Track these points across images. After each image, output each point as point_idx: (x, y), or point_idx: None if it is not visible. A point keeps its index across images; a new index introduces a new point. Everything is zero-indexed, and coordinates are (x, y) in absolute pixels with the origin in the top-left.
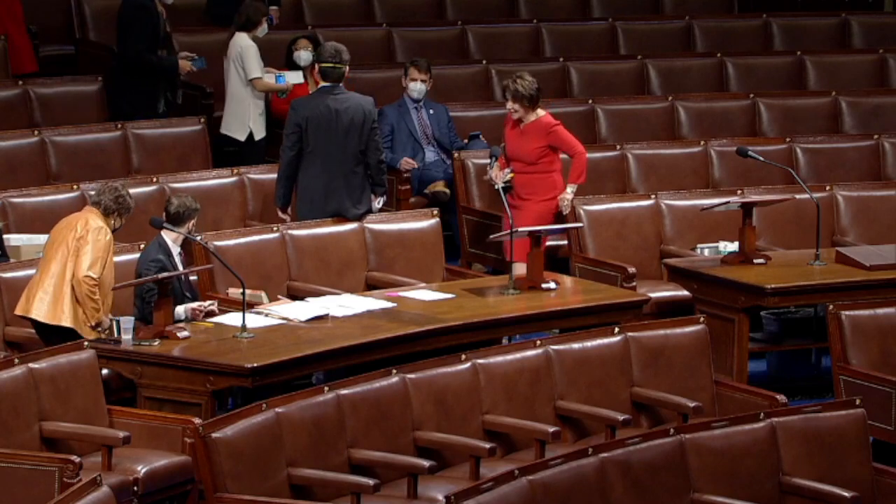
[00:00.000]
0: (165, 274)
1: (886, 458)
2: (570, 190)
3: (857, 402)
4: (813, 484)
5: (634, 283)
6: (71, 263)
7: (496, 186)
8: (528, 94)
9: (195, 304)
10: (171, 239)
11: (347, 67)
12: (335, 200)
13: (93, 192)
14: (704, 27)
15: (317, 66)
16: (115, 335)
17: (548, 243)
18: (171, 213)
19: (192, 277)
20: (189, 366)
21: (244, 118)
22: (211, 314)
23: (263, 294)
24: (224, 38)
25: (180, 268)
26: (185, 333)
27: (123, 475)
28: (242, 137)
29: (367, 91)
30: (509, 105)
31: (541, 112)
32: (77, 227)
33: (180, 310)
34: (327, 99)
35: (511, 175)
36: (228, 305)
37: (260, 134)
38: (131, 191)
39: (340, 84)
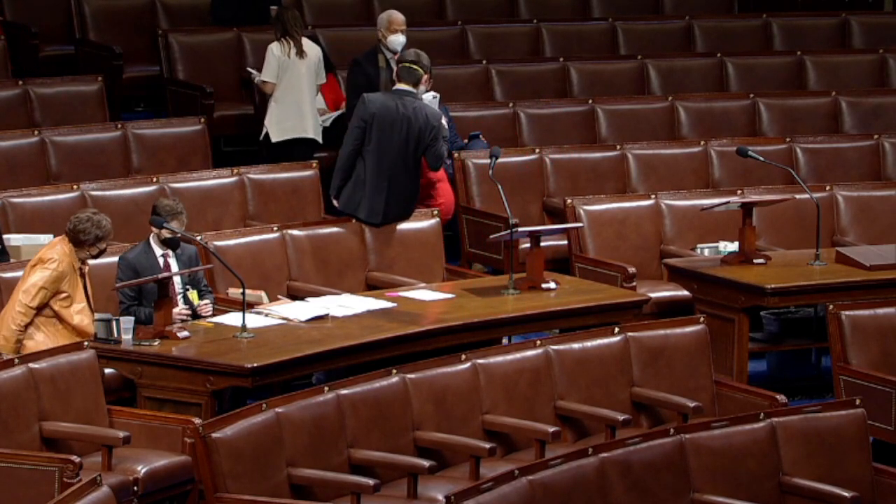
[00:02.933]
0: (164, 275)
1: (886, 458)
2: None
3: (857, 402)
4: (813, 484)
5: (634, 283)
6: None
7: None
8: None
9: (178, 310)
10: (154, 240)
11: (427, 75)
12: (377, 200)
13: (71, 218)
14: (704, 27)
15: (394, 67)
16: (115, 335)
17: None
18: (152, 212)
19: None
20: (189, 366)
21: (318, 120)
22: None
23: (263, 294)
24: (224, 38)
25: (165, 269)
26: (185, 333)
27: (123, 475)
28: (321, 138)
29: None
30: None
31: None
32: (37, 255)
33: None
34: (398, 101)
35: None
36: (228, 305)
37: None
38: (131, 191)
39: (415, 90)
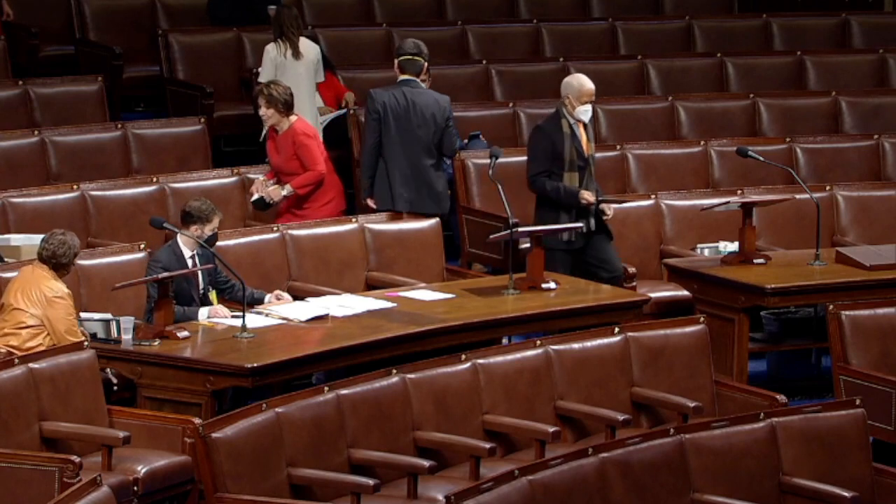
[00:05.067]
0: (165, 274)
1: (886, 458)
2: (283, 190)
3: (857, 402)
4: (813, 484)
5: (634, 283)
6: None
7: (252, 199)
8: (283, 99)
9: (221, 310)
10: (183, 241)
11: (427, 63)
12: (407, 189)
13: (43, 245)
14: (704, 27)
15: (395, 61)
16: (115, 335)
17: None
18: (182, 214)
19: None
20: (189, 366)
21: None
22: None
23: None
24: (224, 38)
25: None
26: (185, 333)
27: (123, 475)
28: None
29: (367, 91)
30: (262, 111)
31: (293, 118)
32: (33, 294)
33: (204, 312)
34: (405, 91)
35: (275, 187)
36: (228, 305)
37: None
38: (131, 191)
39: (418, 79)
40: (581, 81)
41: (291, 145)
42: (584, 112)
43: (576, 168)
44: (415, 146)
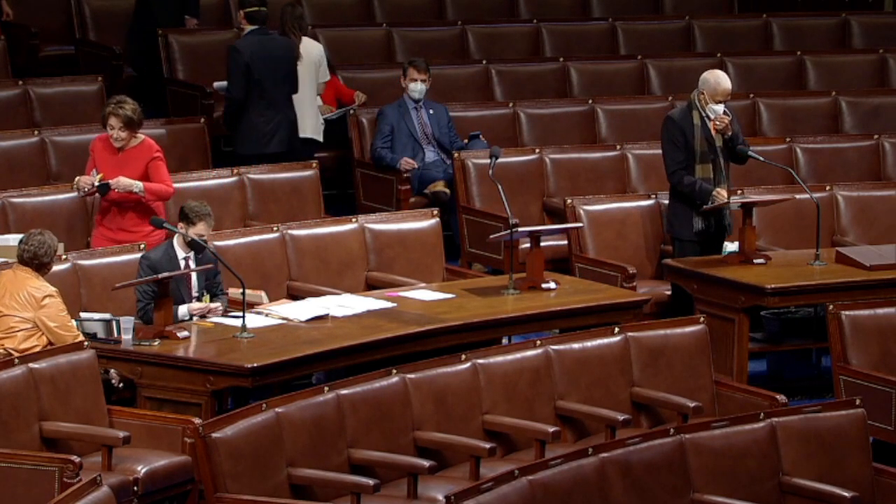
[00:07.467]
0: (164, 274)
1: (886, 458)
2: (136, 185)
3: (857, 402)
4: (813, 484)
5: (634, 283)
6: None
7: (81, 193)
8: (139, 119)
9: (196, 305)
10: (179, 243)
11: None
12: (278, 136)
13: (23, 247)
14: (704, 27)
15: (241, 12)
16: (115, 335)
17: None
18: (179, 210)
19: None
20: (189, 366)
21: (318, 119)
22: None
23: (263, 294)
24: (224, 38)
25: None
26: (185, 333)
27: (123, 475)
28: (321, 137)
29: (367, 91)
30: (115, 133)
31: (140, 136)
32: (21, 297)
33: (183, 309)
34: (264, 41)
35: (100, 175)
36: (228, 305)
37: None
38: None
39: (264, 26)
40: (718, 80)
41: (143, 161)
42: (716, 112)
43: (708, 160)
44: (280, 93)
